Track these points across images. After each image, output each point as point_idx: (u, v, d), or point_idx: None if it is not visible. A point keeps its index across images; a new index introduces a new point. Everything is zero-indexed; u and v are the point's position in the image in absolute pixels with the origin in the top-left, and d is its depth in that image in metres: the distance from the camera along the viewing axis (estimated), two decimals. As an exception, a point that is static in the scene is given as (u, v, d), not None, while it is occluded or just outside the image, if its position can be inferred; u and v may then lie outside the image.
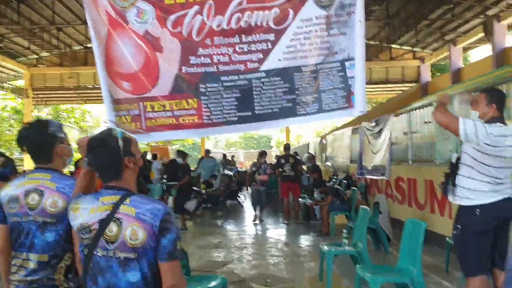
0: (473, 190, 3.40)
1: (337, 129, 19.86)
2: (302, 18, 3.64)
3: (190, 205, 9.78)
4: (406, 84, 21.54)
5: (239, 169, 16.35)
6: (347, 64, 3.77)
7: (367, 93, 20.74)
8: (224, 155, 16.73)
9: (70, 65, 19.83)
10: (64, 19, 15.85)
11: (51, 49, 18.42)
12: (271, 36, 3.62)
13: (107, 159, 1.89)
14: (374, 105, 26.70)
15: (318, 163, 13.43)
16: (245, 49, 3.62)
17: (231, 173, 13.19)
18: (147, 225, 1.78)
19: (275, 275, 5.70)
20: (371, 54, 20.42)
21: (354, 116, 3.95)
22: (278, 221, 10.27)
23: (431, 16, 16.58)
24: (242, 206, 13.17)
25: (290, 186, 9.73)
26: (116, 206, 1.82)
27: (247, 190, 12.50)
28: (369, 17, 15.98)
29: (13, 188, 2.29)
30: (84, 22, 13.75)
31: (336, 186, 9.34)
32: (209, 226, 10.07)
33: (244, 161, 27.15)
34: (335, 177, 10.59)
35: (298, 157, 10.51)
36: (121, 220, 1.80)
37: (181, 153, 10.13)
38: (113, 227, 1.80)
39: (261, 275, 5.68)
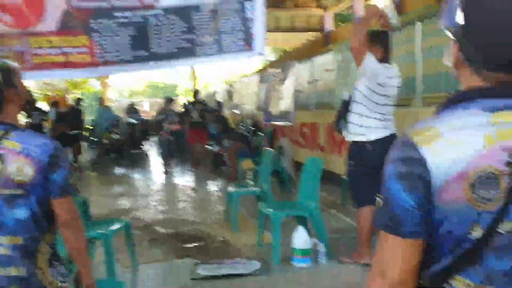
0: (365, 127, 3.66)
1: (244, 76, 19.94)
2: (200, -47, 3.52)
3: (90, 155, 9.46)
4: (311, 33, 21.97)
5: (144, 117, 15.96)
6: (247, 5, 3.74)
7: (275, 41, 20.57)
8: (132, 104, 16.25)
9: None
10: None
11: None
12: (168, -29, 3.48)
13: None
14: (281, 53, 27.08)
15: (225, 110, 13.52)
16: (141, -16, 3.45)
17: (135, 122, 12.84)
18: (34, 160, 1.69)
19: (182, 219, 5.77)
20: (277, 0, 20.43)
21: (254, 57, 3.98)
22: (186, 169, 10.29)
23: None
24: (147, 155, 12.97)
25: (197, 132, 9.72)
26: None
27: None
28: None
29: None
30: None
31: (243, 132, 9.50)
32: (113, 175, 9.82)
33: (150, 110, 26.45)
34: (242, 124, 10.75)
35: (206, 104, 10.48)
36: (3, 156, 1.69)
37: (54, 103, 10.17)
38: None
39: (168, 219, 5.73)
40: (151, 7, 3.49)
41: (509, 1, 0.95)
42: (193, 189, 7.97)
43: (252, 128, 10.40)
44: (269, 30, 25.48)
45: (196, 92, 10.35)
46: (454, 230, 0.94)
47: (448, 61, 1.08)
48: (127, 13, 3.46)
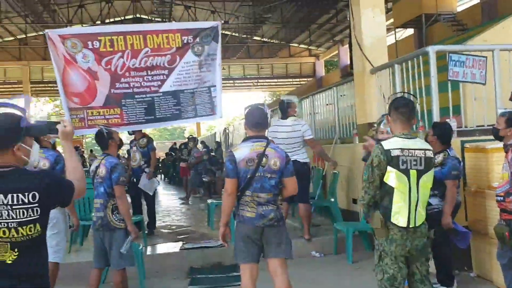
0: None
1: (239, 119, 22.94)
2: (184, 61, 6.44)
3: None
4: (303, 79, 25.14)
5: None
6: (212, 89, 6.65)
7: (271, 86, 24.39)
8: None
9: None
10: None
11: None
12: (166, 72, 6.41)
13: (106, 142, 4.68)
14: (277, 97, 30.30)
15: (222, 149, 16.51)
16: (150, 79, 6.38)
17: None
18: (106, 168, 4.58)
19: (178, 224, 8.59)
20: (272, 52, 23.78)
21: (216, 119, 7.02)
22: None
23: (319, 21, 20.19)
24: (156, 190, 15.89)
25: (186, 168, 12.69)
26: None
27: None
28: (265, 22, 19.22)
29: None
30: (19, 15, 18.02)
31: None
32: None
33: (158, 152, 29.59)
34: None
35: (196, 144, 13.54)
36: (99, 167, 4.59)
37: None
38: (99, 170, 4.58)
39: (167, 225, 8.57)
40: (156, 91, 6.41)
41: (254, 112, 4.06)
42: (188, 208, 10.83)
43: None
44: (265, 77, 28.81)
45: (190, 138, 13.35)
46: (243, 174, 3.94)
47: (244, 129, 4.04)
48: (142, 95, 6.36)
